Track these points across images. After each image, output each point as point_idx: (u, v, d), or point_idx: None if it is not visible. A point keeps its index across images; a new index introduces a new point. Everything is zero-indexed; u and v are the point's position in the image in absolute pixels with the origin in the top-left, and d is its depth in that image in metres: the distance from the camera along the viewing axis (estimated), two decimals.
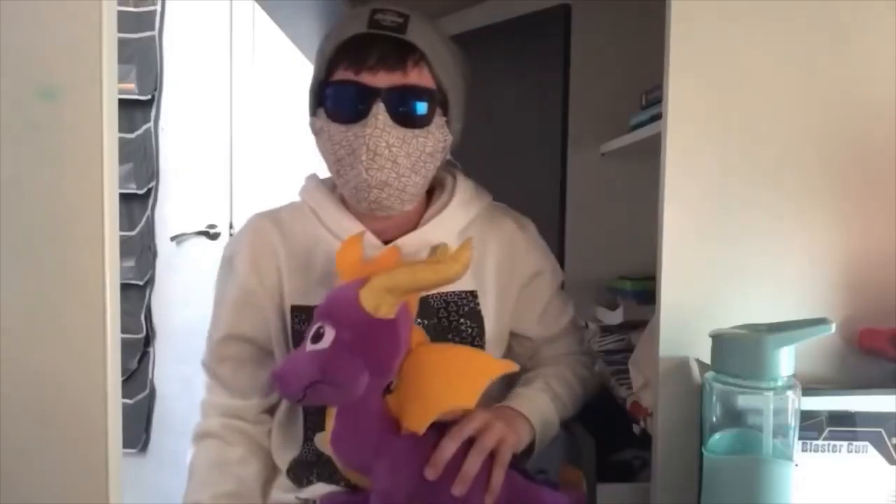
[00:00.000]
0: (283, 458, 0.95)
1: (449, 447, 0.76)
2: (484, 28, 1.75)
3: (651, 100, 1.29)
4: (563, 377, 0.98)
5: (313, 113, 0.90)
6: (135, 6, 2.45)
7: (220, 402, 0.96)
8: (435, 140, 0.87)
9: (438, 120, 0.88)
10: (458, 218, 0.95)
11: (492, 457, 0.78)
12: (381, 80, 0.83)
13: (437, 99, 0.87)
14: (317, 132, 0.89)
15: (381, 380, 0.76)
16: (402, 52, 0.84)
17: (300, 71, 1.95)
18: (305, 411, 0.94)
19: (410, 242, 0.91)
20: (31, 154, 0.66)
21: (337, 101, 0.86)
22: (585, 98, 1.62)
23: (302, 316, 0.89)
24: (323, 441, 0.78)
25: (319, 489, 0.90)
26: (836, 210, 0.79)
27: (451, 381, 0.77)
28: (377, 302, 0.73)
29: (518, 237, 0.99)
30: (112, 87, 0.67)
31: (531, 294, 0.99)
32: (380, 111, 0.82)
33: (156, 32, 2.46)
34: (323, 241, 0.92)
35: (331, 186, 0.97)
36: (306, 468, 0.93)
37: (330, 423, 0.76)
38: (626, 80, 1.48)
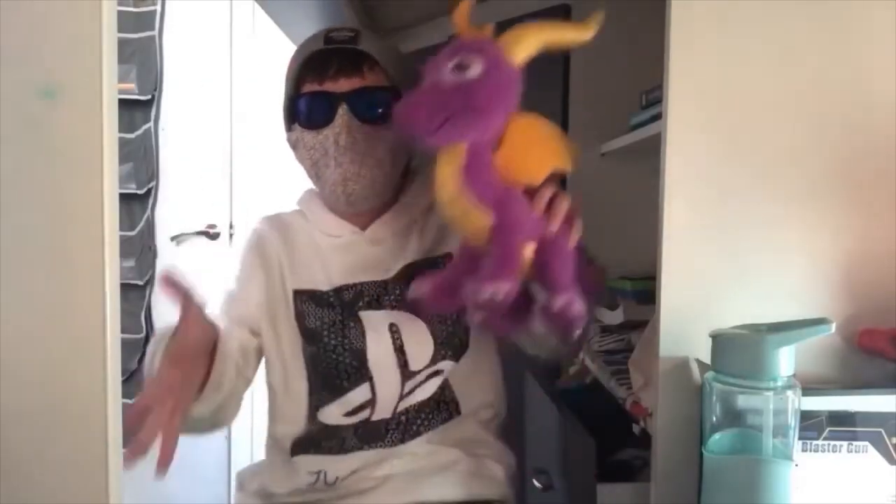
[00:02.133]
0: (284, 434, 1.00)
1: (546, 193, 0.76)
2: None
3: (651, 100, 1.29)
4: None
5: (289, 128, 1.00)
6: (135, 6, 2.45)
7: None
8: (396, 135, 0.94)
9: None
10: (422, 198, 1.01)
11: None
12: (343, 85, 0.93)
13: (392, 98, 0.94)
14: (293, 144, 0.99)
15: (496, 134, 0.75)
16: (357, 61, 0.94)
17: None
18: (311, 386, 0.99)
19: (380, 227, 1.00)
20: (31, 154, 0.66)
21: (306, 110, 0.96)
22: (585, 98, 1.62)
23: (303, 297, 1.00)
24: (446, 178, 0.75)
25: (327, 460, 0.96)
26: (836, 210, 0.79)
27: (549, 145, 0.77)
28: (519, 43, 0.76)
29: None
30: (112, 87, 0.67)
31: None
32: (344, 112, 0.92)
33: (156, 32, 2.45)
34: (315, 236, 1.04)
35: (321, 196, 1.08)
36: (313, 443, 0.98)
37: (454, 161, 0.74)
38: (626, 80, 1.48)
